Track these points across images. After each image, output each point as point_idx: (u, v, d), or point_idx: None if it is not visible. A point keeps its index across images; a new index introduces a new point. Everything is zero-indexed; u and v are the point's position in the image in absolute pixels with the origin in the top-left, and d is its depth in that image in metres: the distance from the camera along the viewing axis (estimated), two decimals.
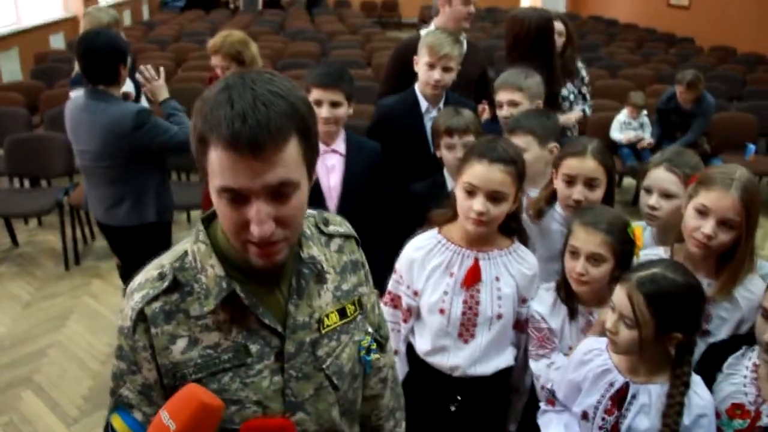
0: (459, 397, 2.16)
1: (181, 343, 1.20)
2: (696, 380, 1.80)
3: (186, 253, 1.24)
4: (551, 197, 2.36)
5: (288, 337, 1.25)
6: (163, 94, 3.45)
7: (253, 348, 1.23)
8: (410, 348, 2.24)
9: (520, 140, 2.48)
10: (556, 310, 2.13)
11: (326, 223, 1.41)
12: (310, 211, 1.38)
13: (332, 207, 2.76)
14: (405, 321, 2.21)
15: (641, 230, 2.06)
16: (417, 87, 3.16)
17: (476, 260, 2.09)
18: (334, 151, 2.79)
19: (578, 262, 2.01)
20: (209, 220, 1.27)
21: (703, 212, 1.92)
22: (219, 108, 1.04)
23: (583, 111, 4.14)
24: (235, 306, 1.20)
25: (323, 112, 2.64)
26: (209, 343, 1.20)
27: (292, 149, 1.08)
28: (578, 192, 2.22)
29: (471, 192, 2.01)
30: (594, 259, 1.98)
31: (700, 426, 1.76)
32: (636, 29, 13.36)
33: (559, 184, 2.29)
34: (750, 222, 1.90)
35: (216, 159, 1.06)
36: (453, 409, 2.17)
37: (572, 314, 2.11)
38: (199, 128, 1.08)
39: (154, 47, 9.22)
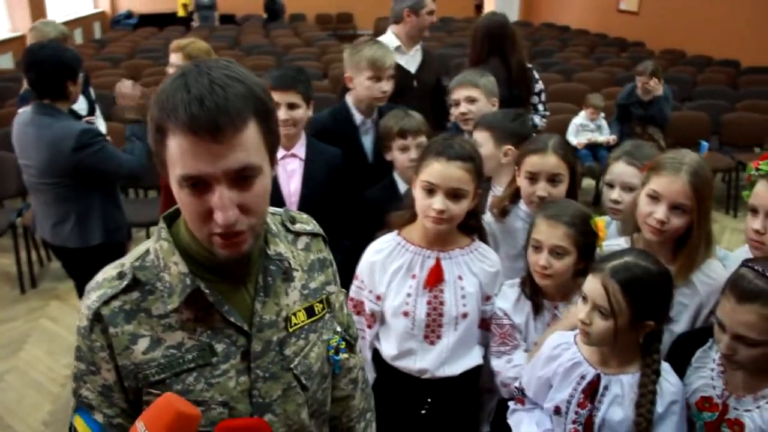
0: (429, 400, 2.13)
1: (143, 343, 1.16)
2: (665, 367, 1.81)
3: (148, 251, 1.21)
4: (515, 195, 2.36)
5: (254, 336, 1.23)
6: (133, 114, 3.30)
7: (219, 347, 1.20)
8: (376, 354, 2.21)
9: (478, 135, 2.53)
10: (519, 306, 2.12)
11: (293, 221, 1.40)
12: (276, 209, 1.38)
13: None
14: (369, 327, 2.18)
15: (603, 223, 2.07)
16: (350, 101, 3.11)
17: (438, 260, 2.07)
18: (294, 156, 2.76)
19: (541, 256, 2.01)
20: (172, 219, 1.24)
21: (655, 198, 1.94)
22: (175, 94, 1.03)
23: (531, 121, 4.18)
24: (200, 304, 1.18)
25: (280, 114, 2.61)
26: (173, 342, 1.17)
27: (252, 132, 1.07)
28: (541, 188, 2.23)
29: (430, 191, 1.99)
30: (557, 252, 1.99)
31: (672, 413, 1.77)
32: (588, 35, 13.58)
33: (522, 182, 2.29)
34: (702, 205, 1.91)
35: (175, 146, 1.04)
36: (424, 412, 2.14)
37: (537, 309, 2.11)
38: (156, 117, 1.06)
39: (107, 65, 9.09)
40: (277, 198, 2.63)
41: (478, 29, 3.85)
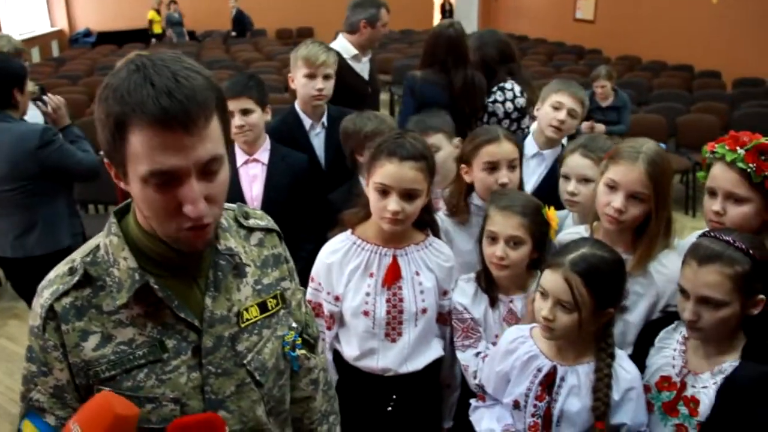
0: (394, 396, 2.13)
1: (94, 340, 1.15)
2: (620, 354, 1.84)
3: (98, 247, 1.20)
4: (465, 190, 2.38)
5: (205, 331, 1.22)
6: (66, 120, 3.32)
7: (169, 343, 1.19)
8: (338, 355, 2.20)
9: (432, 139, 2.54)
10: (477, 299, 2.14)
11: (246, 216, 1.39)
12: (230, 205, 1.37)
13: None
14: (329, 328, 2.16)
15: (554, 212, 2.09)
16: (297, 105, 3.13)
17: (395, 258, 2.07)
18: (256, 161, 2.79)
19: (498, 246, 2.03)
20: (122, 213, 1.23)
21: (612, 187, 1.96)
22: (138, 88, 1.01)
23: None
24: (150, 300, 1.17)
25: (236, 121, 2.66)
26: (123, 339, 1.17)
27: (215, 123, 1.08)
28: (504, 175, 2.25)
29: (384, 192, 1.98)
30: (513, 242, 2.01)
31: (629, 399, 1.79)
32: (546, 43, 13.79)
33: (479, 174, 2.30)
34: (659, 194, 1.93)
35: (142, 142, 1.02)
36: (390, 409, 2.14)
37: (493, 303, 2.12)
38: (115, 113, 1.02)
39: (66, 82, 8.97)
40: (237, 201, 2.63)
41: (432, 35, 3.91)
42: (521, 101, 3.72)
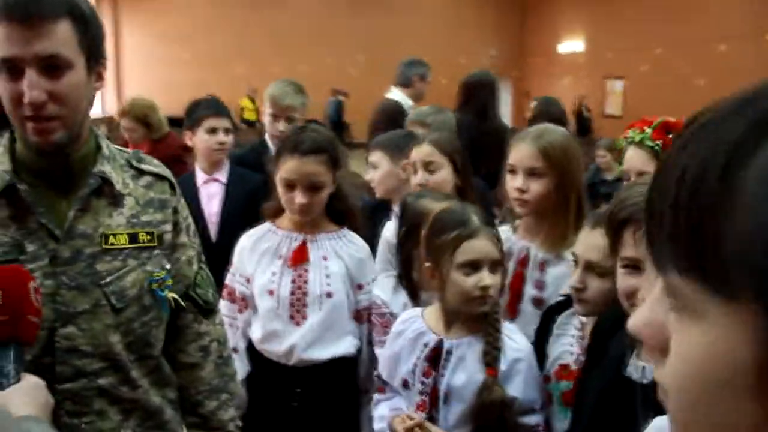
0: (298, 390, 2.10)
1: None
2: (511, 328, 1.82)
3: None
4: None
5: (64, 242, 1.30)
6: None
7: (29, 247, 1.28)
8: (252, 348, 2.19)
9: (373, 156, 2.62)
10: (396, 294, 2.14)
11: (140, 160, 1.49)
12: (127, 149, 1.50)
13: (213, 232, 2.92)
14: (240, 312, 2.19)
15: None
16: (267, 136, 3.30)
17: (304, 241, 2.14)
18: (215, 180, 2.99)
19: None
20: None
21: (512, 171, 2.01)
22: None
23: None
24: (18, 204, 1.28)
25: (220, 137, 2.93)
26: None
27: (64, 29, 1.23)
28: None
29: (290, 186, 2.07)
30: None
31: (517, 371, 1.74)
32: None
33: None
34: (556, 169, 1.95)
35: None
36: (295, 404, 2.10)
37: (414, 297, 2.10)
38: None
39: None
40: (197, 219, 2.73)
41: (472, 80, 4.15)
42: None
